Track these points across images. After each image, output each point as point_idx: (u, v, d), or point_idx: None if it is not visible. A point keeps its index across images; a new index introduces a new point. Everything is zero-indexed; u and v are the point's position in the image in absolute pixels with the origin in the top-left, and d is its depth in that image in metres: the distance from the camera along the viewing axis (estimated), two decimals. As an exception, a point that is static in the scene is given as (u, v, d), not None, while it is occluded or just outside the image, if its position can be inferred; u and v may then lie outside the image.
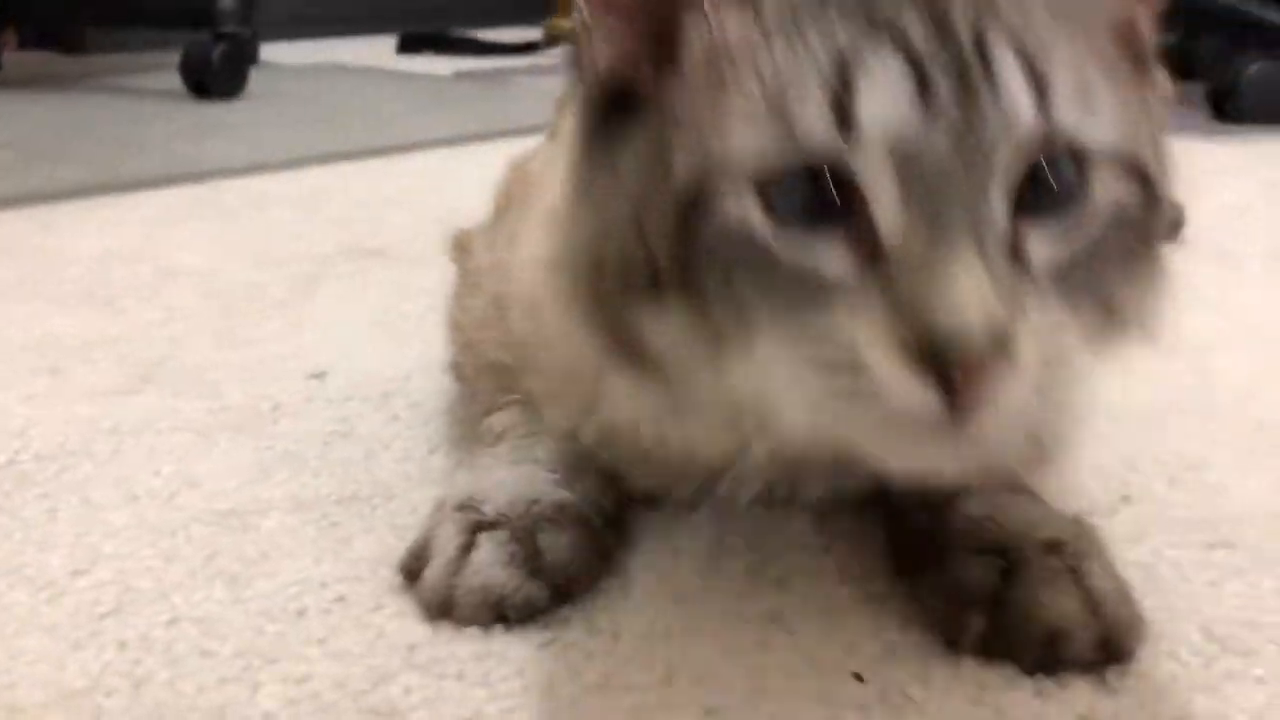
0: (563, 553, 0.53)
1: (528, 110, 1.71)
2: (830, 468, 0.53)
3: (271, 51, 3.01)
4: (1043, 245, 0.41)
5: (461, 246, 0.71)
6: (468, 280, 0.69)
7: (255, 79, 2.34)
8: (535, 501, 0.55)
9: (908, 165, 0.39)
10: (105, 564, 0.56)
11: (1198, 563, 0.56)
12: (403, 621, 0.52)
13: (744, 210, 0.40)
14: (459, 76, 2.67)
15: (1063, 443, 0.57)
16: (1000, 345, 0.37)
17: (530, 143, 0.74)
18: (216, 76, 2.24)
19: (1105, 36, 0.44)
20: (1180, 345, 0.84)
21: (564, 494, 0.56)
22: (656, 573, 0.55)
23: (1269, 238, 1.15)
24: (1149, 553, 0.57)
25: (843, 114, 0.39)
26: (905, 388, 0.38)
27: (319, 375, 0.82)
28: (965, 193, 0.39)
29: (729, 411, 0.47)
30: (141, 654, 0.49)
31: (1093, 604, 0.47)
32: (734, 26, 0.42)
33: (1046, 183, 0.40)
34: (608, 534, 0.57)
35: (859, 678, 0.47)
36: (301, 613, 0.52)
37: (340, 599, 0.54)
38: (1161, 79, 0.47)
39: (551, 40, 3.11)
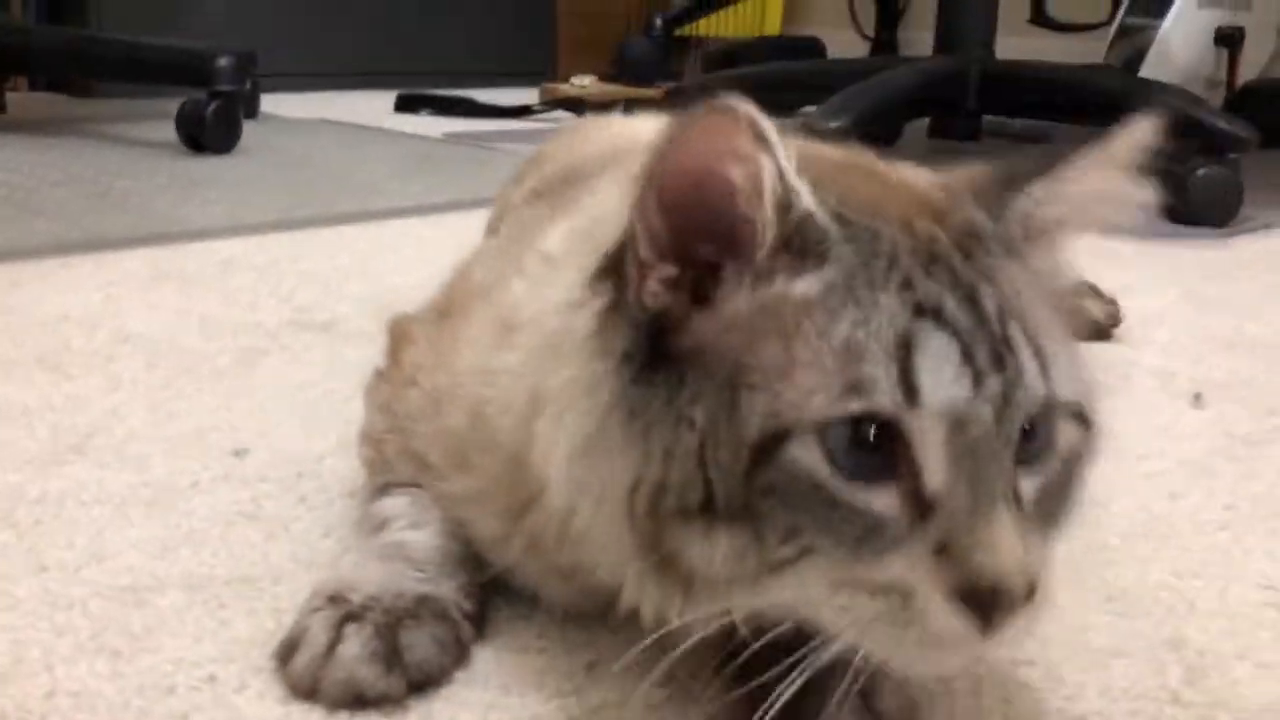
0: (421, 650, 0.59)
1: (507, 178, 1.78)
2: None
3: (274, 102, 3.10)
4: (1029, 488, 0.48)
5: (401, 333, 0.75)
6: (405, 370, 0.72)
7: (252, 132, 2.43)
8: (400, 595, 0.60)
9: (957, 431, 0.45)
10: (0, 634, 0.62)
11: (1000, 679, 0.61)
12: (262, 703, 0.57)
13: (811, 458, 0.46)
14: (449, 138, 2.75)
15: None
16: (1032, 589, 0.45)
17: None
18: (210, 132, 2.32)
19: (1058, 305, 0.52)
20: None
21: (428, 589, 0.61)
22: (502, 667, 0.61)
23: (1167, 355, 1.20)
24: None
25: (908, 384, 0.45)
26: (951, 622, 0.45)
27: (240, 453, 0.87)
28: (1000, 455, 0.46)
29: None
30: (17, 723, 0.54)
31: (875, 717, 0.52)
32: (798, 286, 0.47)
33: (1033, 436, 0.48)
34: (466, 628, 0.62)
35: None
36: (171, 690, 0.58)
37: (210, 678, 0.59)
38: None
39: (547, 104, 3.20)
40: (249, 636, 0.62)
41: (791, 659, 0.49)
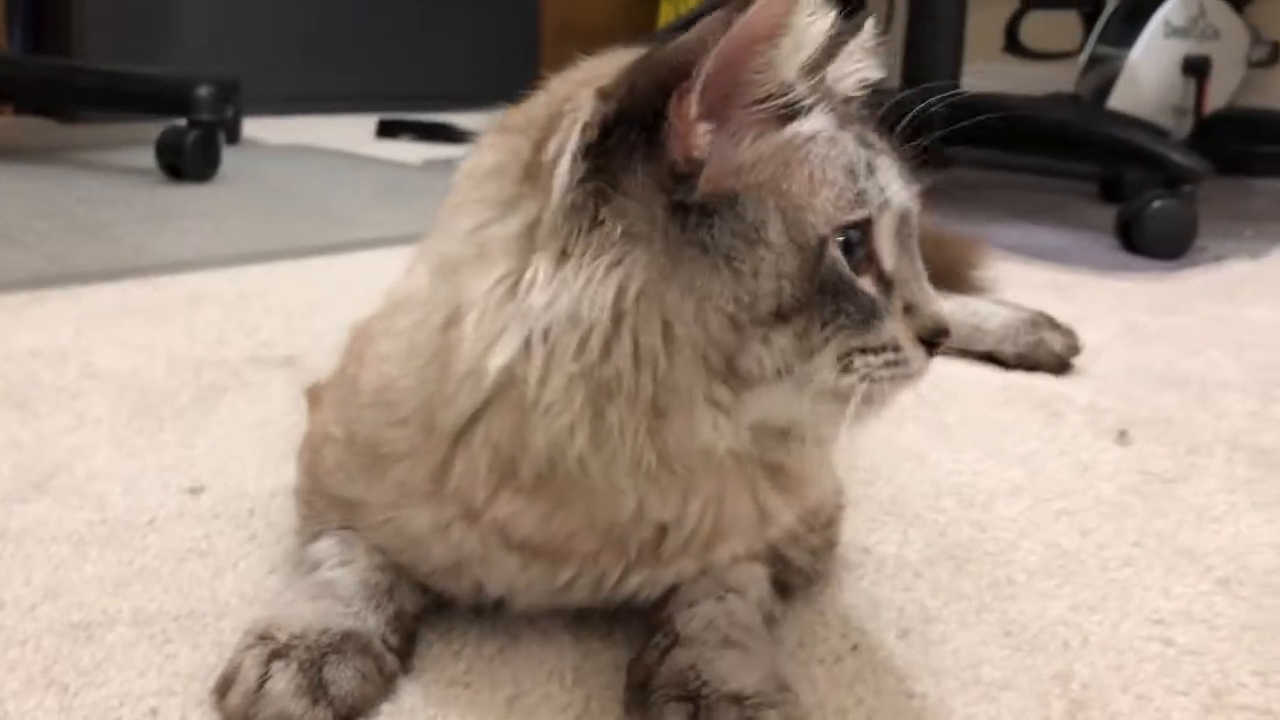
0: (345, 684, 0.63)
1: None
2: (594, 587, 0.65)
3: (257, 127, 3.14)
4: None
5: (314, 399, 0.81)
6: (320, 430, 0.77)
7: (233, 159, 2.47)
8: (325, 631, 0.64)
9: (901, 224, 0.62)
10: (-43, 670, 0.66)
11: (891, 710, 0.65)
12: (199, 734, 0.61)
13: (838, 255, 0.59)
14: (428, 165, 2.79)
15: None
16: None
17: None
18: (189, 161, 2.37)
19: None
20: (971, 496, 0.95)
21: (352, 625, 0.65)
22: (425, 701, 0.65)
23: (1098, 392, 1.25)
24: (853, 700, 0.66)
25: (882, 193, 0.61)
26: (920, 356, 0.62)
27: (196, 490, 0.91)
28: (915, 242, 0.63)
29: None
30: (-34, 756, 0.58)
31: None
32: (805, 127, 0.60)
33: None
34: (391, 661, 0.66)
35: (558, 805, 0.56)
36: (114, 723, 0.62)
37: (152, 711, 0.63)
38: None
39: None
40: (191, 671, 0.66)
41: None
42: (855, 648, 0.72)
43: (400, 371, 0.64)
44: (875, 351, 0.60)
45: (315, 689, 0.62)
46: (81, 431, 1.02)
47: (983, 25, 2.94)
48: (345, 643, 0.64)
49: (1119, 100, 3.35)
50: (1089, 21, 3.48)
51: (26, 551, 0.80)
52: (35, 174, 2.40)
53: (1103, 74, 3.42)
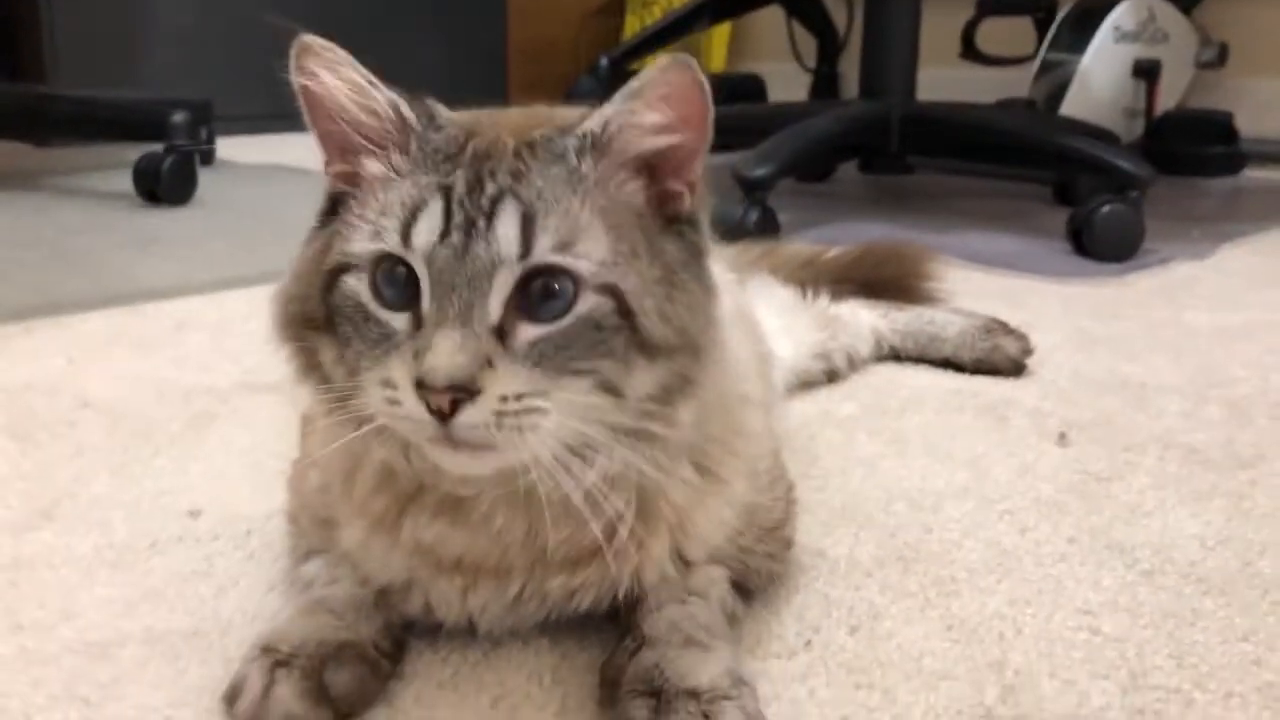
0: (343, 686, 0.69)
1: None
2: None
3: (230, 146, 3.19)
4: (529, 333, 0.63)
5: (306, 425, 0.87)
6: (308, 455, 0.84)
7: (208, 181, 2.53)
8: (323, 643, 0.71)
9: (433, 267, 0.62)
10: (-15, 688, 0.71)
11: (840, 701, 0.72)
12: (212, 741, 0.67)
13: (359, 285, 0.65)
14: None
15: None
16: (457, 386, 0.60)
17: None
18: (166, 186, 2.42)
19: (628, 209, 0.67)
20: (920, 499, 1.01)
21: (347, 635, 0.72)
22: (415, 703, 0.71)
23: (1043, 396, 1.32)
24: (806, 691, 0.73)
25: (406, 234, 0.64)
26: (412, 403, 0.61)
27: (195, 514, 0.97)
28: (460, 290, 0.62)
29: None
30: (2, 766, 0.64)
31: (718, 738, 0.63)
32: (374, 169, 0.67)
33: (534, 294, 0.63)
34: (384, 665, 0.73)
35: (541, 793, 0.63)
36: (134, 733, 0.68)
37: (167, 721, 0.69)
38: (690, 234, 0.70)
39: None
40: (201, 685, 0.73)
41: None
42: (809, 643, 0.79)
43: None
44: (384, 385, 0.63)
45: (317, 692, 0.68)
46: (80, 460, 1.08)
47: (939, 31, 3.02)
48: (342, 651, 0.71)
49: (1072, 104, 3.44)
50: (1042, 27, 3.57)
51: (40, 577, 0.86)
52: (12, 202, 2.45)
53: (1055, 79, 3.51)
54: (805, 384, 1.33)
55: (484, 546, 0.71)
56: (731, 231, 1.81)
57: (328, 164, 0.71)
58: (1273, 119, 3.79)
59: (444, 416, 0.60)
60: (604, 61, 4.11)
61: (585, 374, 0.63)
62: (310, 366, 0.70)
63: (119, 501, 0.99)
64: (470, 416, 0.60)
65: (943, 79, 3.22)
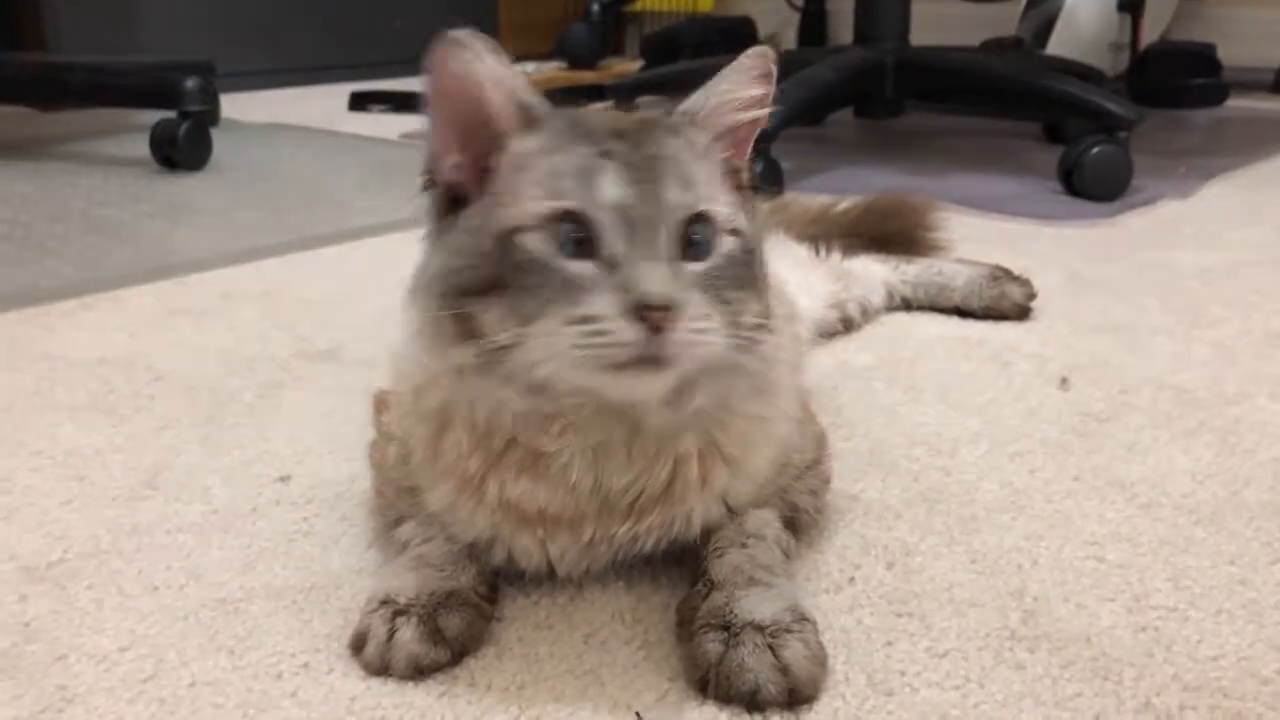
0: (456, 628, 0.80)
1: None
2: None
3: (231, 104, 3.23)
4: (695, 268, 0.74)
5: (381, 403, 0.97)
6: (384, 431, 0.94)
7: (220, 143, 2.58)
8: (433, 593, 0.81)
9: (622, 216, 0.72)
10: (141, 642, 0.82)
11: (884, 628, 0.83)
12: (346, 680, 0.78)
13: (536, 242, 0.72)
14: (405, 139, 2.91)
15: (766, 383, 0.85)
16: (671, 304, 0.69)
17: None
18: (184, 152, 2.49)
19: (722, 174, 0.81)
20: (938, 444, 1.12)
21: (451, 585, 0.82)
22: (518, 641, 0.82)
23: (1044, 342, 1.43)
24: (854, 621, 0.84)
25: (588, 189, 0.73)
26: (623, 326, 0.68)
27: (285, 479, 1.07)
28: (654, 230, 0.72)
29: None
30: (174, 706, 0.75)
31: (782, 667, 0.74)
32: (527, 146, 0.76)
33: (693, 240, 0.74)
34: (486, 608, 0.83)
35: (639, 716, 0.73)
36: (279, 676, 0.78)
37: (305, 665, 0.79)
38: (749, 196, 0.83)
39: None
40: (326, 632, 0.83)
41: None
42: (852, 579, 0.89)
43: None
44: (579, 322, 0.69)
45: (434, 634, 0.79)
46: (168, 432, 1.18)
47: (929, -29, 3.07)
48: (450, 599, 0.81)
49: (1059, 40, 3.51)
50: (1029, -37, 3.62)
51: (159, 542, 0.96)
52: (34, 172, 2.51)
53: (1043, 14, 3.57)
54: (824, 333, 1.43)
55: (560, 499, 0.81)
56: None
57: (438, 158, 0.78)
58: (1253, 48, 3.87)
59: (658, 331, 0.69)
60: (595, 6, 4.15)
61: (728, 302, 0.75)
62: (465, 332, 0.75)
63: (213, 469, 1.09)
64: (679, 332, 0.70)
65: (933, 15, 3.27)
